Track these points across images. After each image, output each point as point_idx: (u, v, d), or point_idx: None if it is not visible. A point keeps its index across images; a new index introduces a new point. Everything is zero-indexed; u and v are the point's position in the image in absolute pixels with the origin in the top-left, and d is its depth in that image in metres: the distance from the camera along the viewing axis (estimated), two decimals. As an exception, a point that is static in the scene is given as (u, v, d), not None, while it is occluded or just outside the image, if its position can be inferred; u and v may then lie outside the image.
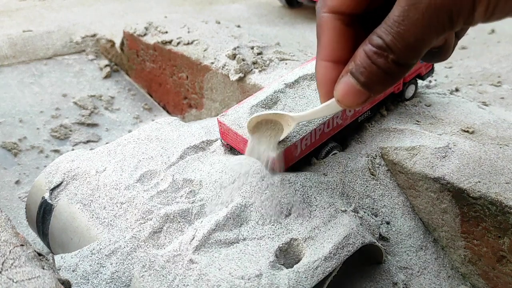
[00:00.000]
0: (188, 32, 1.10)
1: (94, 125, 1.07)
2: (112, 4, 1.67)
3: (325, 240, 0.52)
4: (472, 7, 0.34)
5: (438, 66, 1.18)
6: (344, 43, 0.43)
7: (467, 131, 0.66)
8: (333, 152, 0.65)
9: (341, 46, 0.43)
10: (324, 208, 0.55)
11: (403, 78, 0.40)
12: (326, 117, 0.61)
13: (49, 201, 0.60)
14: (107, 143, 0.87)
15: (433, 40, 0.37)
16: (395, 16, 0.36)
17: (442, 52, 0.44)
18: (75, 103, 1.12)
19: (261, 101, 0.63)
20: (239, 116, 0.61)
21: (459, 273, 0.63)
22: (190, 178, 0.58)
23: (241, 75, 0.90)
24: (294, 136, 0.59)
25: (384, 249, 0.58)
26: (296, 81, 0.66)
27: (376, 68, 0.38)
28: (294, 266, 0.49)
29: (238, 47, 0.95)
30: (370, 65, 0.38)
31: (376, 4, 0.42)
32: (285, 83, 0.65)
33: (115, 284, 0.49)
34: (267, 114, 0.55)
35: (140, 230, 0.53)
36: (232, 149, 0.63)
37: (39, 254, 0.40)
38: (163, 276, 0.48)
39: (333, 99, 0.43)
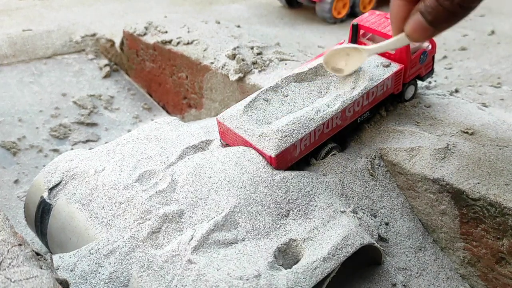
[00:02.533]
0: (188, 32, 1.09)
1: (93, 124, 1.06)
2: (112, 4, 1.67)
3: (324, 241, 0.52)
4: None
5: (438, 67, 1.18)
6: None
7: (467, 132, 0.66)
8: (333, 152, 0.65)
9: None
10: (323, 208, 0.55)
11: (464, 18, 0.46)
12: (327, 114, 0.61)
13: (48, 201, 0.60)
14: (106, 142, 0.87)
15: None
16: None
17: None
18: (75, 102, 1.12)
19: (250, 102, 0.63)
20: (238, 116, 0.61)
21: (458, 274, 0.63)
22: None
23: (240, 75, 0.89)
24: (294, 136, 0.59)
25: (383, 250, 0.58)
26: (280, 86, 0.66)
27: (442, 9, 0.45)
28: (293, 266, 0.49)
29: (238, 47, 0.95)
30: (437, 7, 0.45)
31: None
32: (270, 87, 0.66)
33: (113, 284, 0.49)
34: (342, 48, 0.63)
35: (138, 230, 0.53)
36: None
37: (37, 254, 0.40)
38: (161, 276, 0.48)
39: (403, 34, 0.50)
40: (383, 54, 0.70)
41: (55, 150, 0.97)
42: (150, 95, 1.22)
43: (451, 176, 0.59)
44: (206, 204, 0.54)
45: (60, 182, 0.61)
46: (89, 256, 0.51)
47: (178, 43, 1.07)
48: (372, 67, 0.67)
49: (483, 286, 0.61)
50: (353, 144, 0.69)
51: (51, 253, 0.63)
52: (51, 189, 0.61)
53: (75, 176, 0.61)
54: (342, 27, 1.64)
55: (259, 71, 0.89)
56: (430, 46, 0.71)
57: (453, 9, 0.45)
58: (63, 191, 0.61)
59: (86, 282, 0.49)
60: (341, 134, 0.66)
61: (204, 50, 1.00)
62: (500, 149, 0.62)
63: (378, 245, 0.56)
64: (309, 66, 0.69)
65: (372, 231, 0.57)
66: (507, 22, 1.49)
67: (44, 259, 0.40)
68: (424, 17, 0.46)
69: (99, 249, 0.52)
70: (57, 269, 0.50)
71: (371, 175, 0.65)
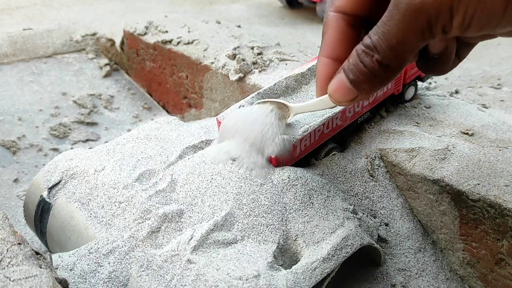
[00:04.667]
0: (188, 31, 1.09)
1: (93, 124, 1.06)
2: (113, 3, 1.67)
3: (324, 241, 0.52)
4: (450, 14, 0.35)
5: (438, 68, 1.18)
6: (345, 43, 0.44)
7: (467, 133, 0.66)
8: (332, 153, 0.65)
9: (343, 45, 0.44)
10: (323, 209, 0.55)
11: (390, 81, 0.41)
12: (325, 116, 0.61)
13: (47, 200, 0.60)
14: (106, 142, 0.86)
15: (414, 44, 0.38)
16: (384, 16, 0.38)
17: (441, 62, 0.44)
18: (75, 101, 1.12)
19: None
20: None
21: (458, 275, 0.62)
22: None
23: (241, 75, 0.89)
24: (294, 136, 0.59)
25: (383, 250, 0.58)
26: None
27: (363, 67, 0.40)
28: (292, 267, 0.49)
29: (238, 47, 0.95)
30: (358, 64, 0.40)
31: (382, 7, 0.43)
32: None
33: (112, 284, 0.49)
34: (272, 100, 0.58)
35: (138, 230, 0.53)
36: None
37: (37, 253, 0.40)
38: (160, 276, 0.48)
39: (326, 95, 0.45)
40: None
41: (55, 149, 0.97)
42: (150, 95, 1.22)
43: (451, 177, 0.59)
44: (206, 204, 0.54)
45: (60, 181, 0.61)
46: (89, 256, 0.51)
47: (179, 42, 1.07)
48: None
49: (482, 287, 0.61)
50: (353, 144, 0.69)
51: (50, 252, 0.63)
52: (50, 188, 0.61)
53: (74, 175, 0.61)
54: (342, 27, 1.63)
55: (260, 71, 0.89)
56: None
57: (373, 68, 0.39)
58: (63, 190, 0.61)
59: (86, 282, 0.49)
60: (341, 135, 0.66)
61: (205, 50, 1.00)
62: (500, 150, 0.62)
63: (378, 246, 0.56)
64: (309, 66, 0.69)
65: (371, 231, 0.57)
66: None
67: (44, 258, 0.40)
68: (346, 75, 0.41)
69: (98, 248, 0.52)
70: (57, 268, 0.50)
71: (371, 176, 0.65)
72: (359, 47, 0.40)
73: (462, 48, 0.44)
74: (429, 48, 0.42)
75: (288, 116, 0.57)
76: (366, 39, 0.39)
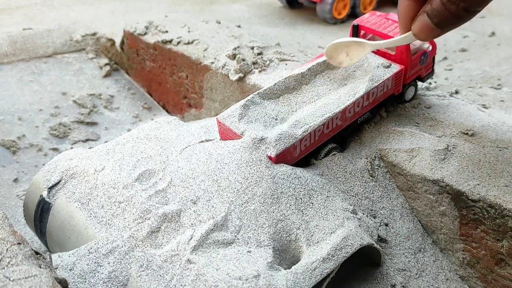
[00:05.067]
0: (188, 31, 1.09)
1: (93, 123, 1.06)
2: (113, 3, 1.67)
3: (324, 241, 0.52)
4: None
5: (438, 68, 1.18)
6: None
7: (467, 134, 0.66)
8: (333, 153, 0.65)
9: None
10: (323, 209, 0.55)
11: (468, 20, 0.48)
12: (325, 116, 0.61)
13: (47, 200, 0.60)
14: (106, 142, 0.86)
15: None
16: None
17: None
18: (75, 101, 1.12)
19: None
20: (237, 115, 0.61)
21: (458, 275, 0.62)
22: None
23: (241, 75, 0.89)
24: (294, 136, 0.59)
25: (383, 250, 0.58)
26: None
27: (448, 12, 0.47)
28: (292, 267, 0.49)
29: (238, 47, 0.95)
30: (444, 10, 0.47)
31: None
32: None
33: (112, 284, 0.49)
34: (346, 41, 0.62)
35: (138, 230, 0.53)
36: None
37: (36, 253, 0.40)
38: (160, 276, 0.48)
39: (410, 32, 0.53)
40: (383, 55, 0.70)
41: (55, 149, 0.97)
42: (150, 95, 1.22)
43: (451, 177, 0.59)
44: (206, 204, 0.54)
45: (60, 181, 0.61)
46: (88, 256, 0.51)
47: (179, 42, 1.07)
48: (373, 67, 0.67)
49: (482, 287, 0.61)
50: (353, 144, 0.69)
51: (50, 252, 0.63)
52: (50, 188, 0.61)
53: (74, 175, 0.61)
54: (342, 27, 1.63)
55: (260, 71, 0.89)
56: (430, 47, 0.71)
57: (458, 13, 0.47)
58: (63, 190, 0.60)
59: (85, 282, 0.49)
60: (341, 135, 0.66)
61: (205, 50, 1.00)
62: (500, 150, 0.62)
63: (378, 246, 0.56)
64: (308, 66, 0.69)
65: (371, 231, 0.57)
66: (507, 24, 1.49)
67: (43, 258, 0.40)
68: (431, 18, 0.49)
69: (98, 248, 0.52)
70: (56, 268, 0.50)
71: (371, 176, 0.65)
72: None
73: None
74: None
75: (364, 52, 0.60)
76: None
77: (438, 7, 0.48)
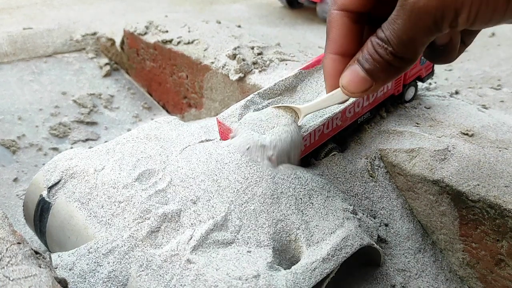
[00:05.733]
0: (189, 31, 1.09)
1: (93, 123, 1.06)
2: (113, 3, 1.67)
3: (323, 241, 0.52)
4: (455, 13, 0.37)
5: (438, 69, 1.18)
6: (351, 38, 0.46)
7: (467, 134, 0.66)
8: (332, 153, 0.65)
9: (349, 41, 0.46)
10: (323, 209, 0.55)
11: (405, 71, 0.43)
12: (325, 116, 0.61)
13: (47, 199, 0.60)
14: (106, 141, 0.86)
15: (423, 39, 0.40)
16: (393, 14, 0.40)
17: (447, 52, 0.46)
18: (75, 101, 1.12)
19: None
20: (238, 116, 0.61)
21: (457, 276, 0.62)
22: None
23: (241, 75, 0.89)
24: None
25: (383, 251, 0.58)
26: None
27: (378, 57, 0.42)
28: (292, 267, 0.49)
29: (238, 47, 0.95)
30: (374, 54, 0.42)
31: (385, 3, 0.45)
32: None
33: (112, 283, 0.49)
34: (277, 107, 0.59)
35: (137, 229, 0.53)
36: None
37: (36, 253, 0.40)
38: (160, 275, 0.48)
39: (338, 89, 0.47)
40: None
41: (55, 149, 0.97)
42: (150, 95, 1.22)
43: (451, 177, 0.59)
44: (205, 204, 0.54)
45: (60, 180, 0.61)
46: (88, 255, 0.51)
47: (179, 42, 1.07)
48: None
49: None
50: (353, 144, 0.69)
51: (50, 251, 0.63)
52: (50, 188, 0.61)
53: (74, 175, 0.61)
54: (342, 28, 1.63)
55: (260, 71, 0.89)
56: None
57: (388, 59, 0.41)
58: (63, 190, 0.60)
59: (85, 281, 0.49)
60: (341, 135, 0.66)
61: (205, 50, 1.00)
62: (500, 151, 0.62)
63: (378, 246, 0.56)
64: (308, 66, 0.69)
65: (371, 232, 0.57)
66: (507, 24, 1.49)
67: (43, 257, 0.40)
68: (362, 65, 0.43)
69: (98, 248, 0.52)
70: (56, 268, 0.50)
71: (371, 176, 0.65)
72: (374, 39, 0.42)
73: (467, 35, 0.46)
74: (435, 40, 0.43)
75: (298, 119, 0.57)
76: (379, 33, 0.41)
77: (369, 51, 0.42)
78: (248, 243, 0.51)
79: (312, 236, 0.52)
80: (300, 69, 0.69)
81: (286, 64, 0.89)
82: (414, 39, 0.39)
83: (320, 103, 0.53)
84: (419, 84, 0.75)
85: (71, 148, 0.96)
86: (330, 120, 0.62)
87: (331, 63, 0.47)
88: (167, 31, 1.12)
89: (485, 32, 1.43)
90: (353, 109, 0.64)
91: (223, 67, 0.94)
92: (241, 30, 1.09)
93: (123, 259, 0.50)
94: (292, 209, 0.54)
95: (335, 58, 0.46)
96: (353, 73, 0.44)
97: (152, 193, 0.56)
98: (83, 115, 1.07)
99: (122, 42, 1.27)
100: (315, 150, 0.63)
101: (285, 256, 0.52)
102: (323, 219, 0.54)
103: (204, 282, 0.46)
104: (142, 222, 0.53)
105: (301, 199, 0.55)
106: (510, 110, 0.90)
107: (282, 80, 0.67)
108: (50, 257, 0.42)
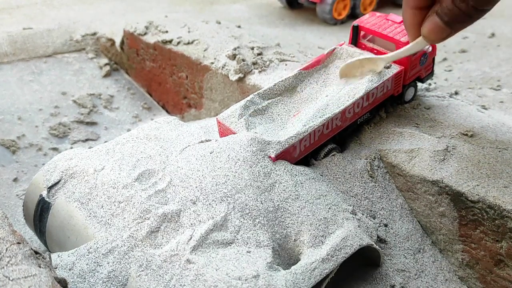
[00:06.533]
0: (189, 32, 1.09)
1: (93, 123, 1.06)
2: (113, 3, 1.67)
3: (323, 241, 0.52)
4: None
5: (438, 69, 1.18)
6: None
7: (466, 135, 0.66)
8: (332, 153, 0.65)
9: None
10: (322, 209, 0.55)
11: (478, 19, 0.49)
12: (325, 116, 0.61)
13: (47, 199, 0.60)
14: (105, 141, 0.86)
15: None
16: None
17: None
18: (74, 101, 1.12)
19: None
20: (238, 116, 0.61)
21: (457, 276, 0.63)
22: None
23: (241, 75, 0.89)
24: (293, 136, 0.59)
25: (382, 251, 0.58)
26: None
27: (458, 11, 0.49)
28: (292, 267, 0.49)
29: (238, 47, 0.95)
30: (454, 8, 0.49)
31: None
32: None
33: (111, 283, 0.49)
34: (359, 59, 0.65)
35: (137, 230, 0.53)
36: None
37: (36, 252, 0.40)
38: (160, 275, 0.48)
39: (420, 37, 0.54)
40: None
41: (55, 149, 0.97)
42: (150, 95, 1.22)
43: (450, 178, 0.59)
44: (205, 204, 0.54)
45: (59, 180, 0.61)
46: (88, 255, 0.51)
47: (179, 43, 1.07)
48: (373, 68, 0.67)
49: (481, 288, 0.61)
50: (353, 145, 0.69)
51: (49, 251, 0.63)
52: (50, 188, 0.61)
53: (74, 175, 0.61)
54: (342, 28, 1.64)
55: (259, 72, 0.89)
56: (430, 48, 0.71)
57: (468, 11, 0.48)
58: (62, 190, 0.60)
59: (85, 281, 0.49)
60: (341, 135, 0.66)
61: (205, 50, 1.00)
62: (499, 151, 0.62)
63: (377, 247, 0.56)
64: (308, 66, 0.69)
65: (371, 232, 0.57)
66: (507, 25, 1.49)
67: (43, 257, 0.40)
68: (441, 18, 0.50)
69: (97, 248, 0.52)
70: (56, 268, 0.50)
71: (371, 176, 0.65)
72: None
73: None
74: None
75: (377, 67, 0.63)
76: None
77: (449, 5, 0.49)
78: (247, 243, 0.51)
79: (311, 236, 0.52)
80: (300, 70, 0.69)
81: (286, 65, 0.89)
82: None
83: (404, 51, 0.60)
84: (419, 84, 0.75)
85: (71, 148, 0.96)
86: (330, 120, 0.62)
87: (412, 16, 0.54)
88: (167, 31, 1.12)
89: (485, 33, 1.43)
90: (353, 109, 0.64)
91: (223, 67, 0.94)
92: (241, 30, 1.09)
93: (122, 259, 0.50)
94: (292, 210, 0.54)
95: (415, 12, 0.53)
96: (434, 24, 0.51)
97: (152, 193, 0.56)
98: (83, 115, 1.07)
99: (122, 42, 1.27)
100: (315, 150, 0.63)
101: (284, 256, 0.52)
102: (322, 220, 0.54)
103: (203, 282, 0.46)
104: (142, 222, 0.53)
105: (301, 200, 0.55)
106: (509, 110, 0.90)
107: (282, 81, 0.67)
108: (50, 257, 0.42)
